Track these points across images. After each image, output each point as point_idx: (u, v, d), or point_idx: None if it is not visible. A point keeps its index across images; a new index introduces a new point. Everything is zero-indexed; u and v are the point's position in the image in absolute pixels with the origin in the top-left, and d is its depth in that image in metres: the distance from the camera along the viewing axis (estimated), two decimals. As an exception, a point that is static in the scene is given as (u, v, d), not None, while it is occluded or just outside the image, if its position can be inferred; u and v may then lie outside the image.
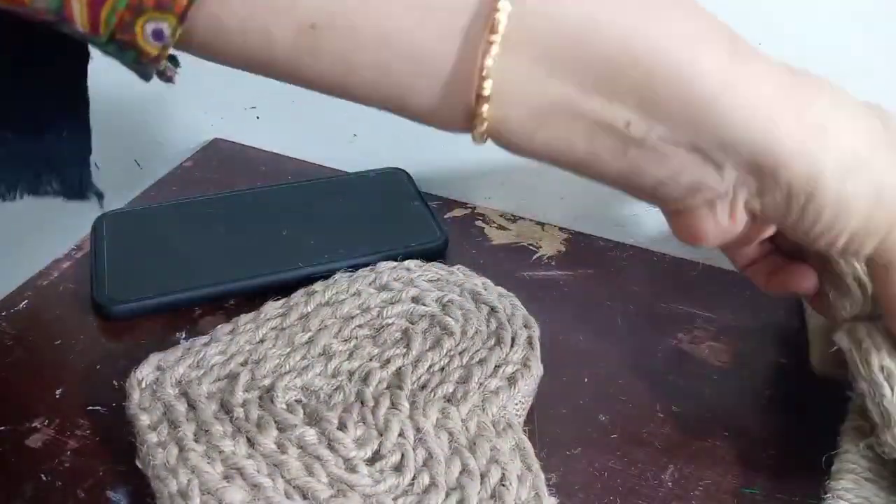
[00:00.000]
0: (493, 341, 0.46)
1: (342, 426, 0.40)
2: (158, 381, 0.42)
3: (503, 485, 0.38)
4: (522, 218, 0.63)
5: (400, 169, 0.64)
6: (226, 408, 0.41)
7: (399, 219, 0.59)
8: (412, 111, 0.32)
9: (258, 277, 0.53)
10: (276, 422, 0.40)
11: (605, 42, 0.29)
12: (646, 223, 0.60)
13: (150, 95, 0.76)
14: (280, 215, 0.59)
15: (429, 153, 0.64)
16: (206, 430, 0.39)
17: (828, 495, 0.40)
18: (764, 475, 0.43)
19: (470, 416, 0.41)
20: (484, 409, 0.42)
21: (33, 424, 0.44)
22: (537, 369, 0.45)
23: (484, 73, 0.29)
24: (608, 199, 0.60)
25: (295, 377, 0.43)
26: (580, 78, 0.30)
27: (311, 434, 0.39)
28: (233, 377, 0.43)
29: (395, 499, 0.37)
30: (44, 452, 0.42)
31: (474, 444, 0.40)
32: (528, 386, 0.44)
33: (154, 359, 0.43)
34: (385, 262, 0.51)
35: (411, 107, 0.32)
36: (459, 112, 0.31)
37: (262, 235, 0.57)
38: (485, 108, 0.30)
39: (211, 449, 0.39)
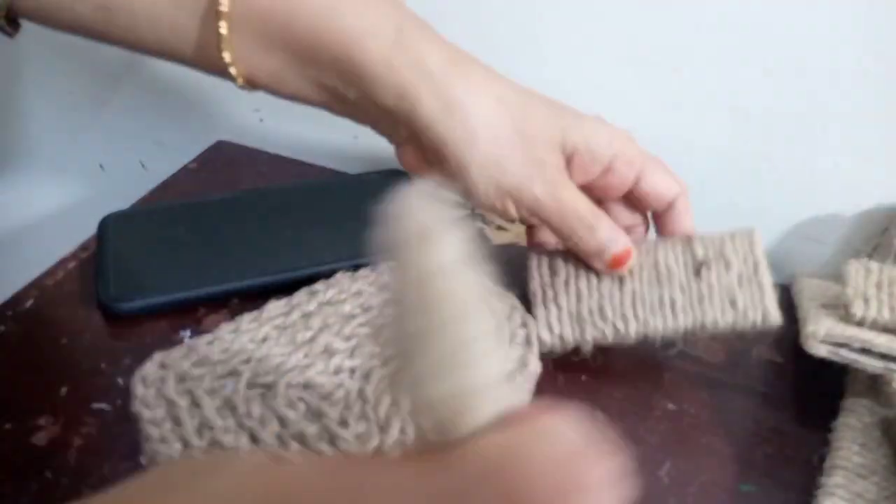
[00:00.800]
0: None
1: (343, 422, 0.41)
2: (162, 378, 0.43)
3: None
4: (522, 218, 0.63)
5: (401, 171, 0.64)
6: (228, 404, 0.41)
7: None
8: (189, 65, 0.43)
9: (262, 277, 0.53)
10: (277, 417, 0.41)
11: (304, 31, 0.40)
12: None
13: (154, 98, 0.76)
14: (284, 216, 0.60)
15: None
16: (209, 426, 0.40)
17: (820, 490, 0.41)
18: (759, 472, 0.44)
19: None
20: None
21: (39, 422, 0.44)
22: (535, 367, 0.45)
23: (220, 46, 0.41)
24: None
25: (297, 374, 0.44)
26: (292, 54, 0.41)
27: (311, 429, 0.40)
28: (235, 374, 0.43)
29: None
30: (49, 450, 0.43)
31: None
32: (525, 384, 0.44)
33: (158, 357, 0.44)
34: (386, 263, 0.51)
35: (185, 62, 0.43)
36: (219, 70, 0.42)
37: (266, 235, 0.57)
38: (232, 69, 0.42)
39: (213, 444, 0.39)
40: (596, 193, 0.47)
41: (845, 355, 0.44)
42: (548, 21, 0.56)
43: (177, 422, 0.40)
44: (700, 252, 0.47)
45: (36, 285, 0.53)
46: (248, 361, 0.44)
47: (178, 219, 0.59)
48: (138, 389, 0.42)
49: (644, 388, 0.48)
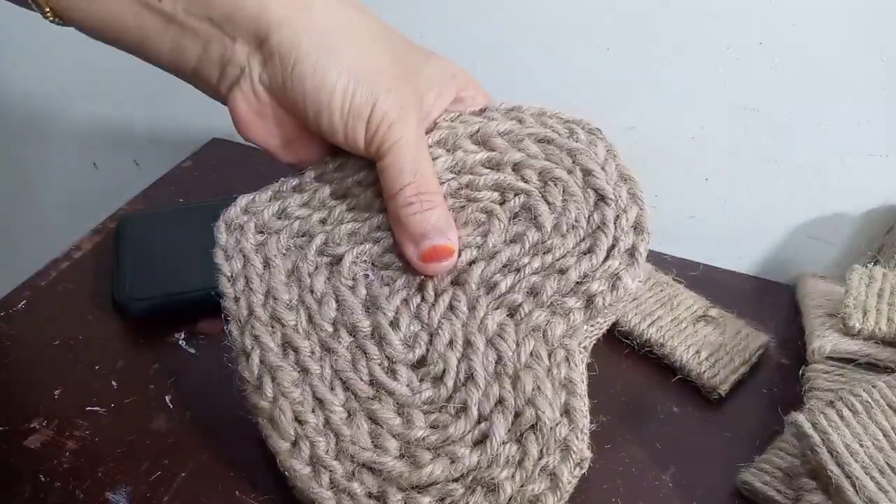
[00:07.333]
0: (586, 245, 0.38)
1: (396, 321, 0.38)
2: (243, 227, 0.41)
3: (533, 431, 0.35)
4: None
5: None
6: (296, 272, 0.40)
7: None
8: None
9: None
10: (336, 298, 0.39)
11: None
12: (646, 223, 0.60)
13: (148, 95, 0.76)
14: None
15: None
16: (274, 297, 0.39)
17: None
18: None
19: (526, 340, 0.36)
20: (545, 334, 0.36)
21: (32, 425, 0.43)
22: (630, 286, 0.37)
23: None
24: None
25: (371, 246, 0.40)
26: None
27: (364, 324, 0.38)
28: (310, 236, 0.41)
29: (426, 413, 0.36)
30: (42, 453, 0.42)
31: (518, 376, 0.36)
32: (610, 310, 0.38)
33: (243, 200, 0.42)
34: (498, 104, 0.43)
35: None
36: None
37: None
38: None
39: (274, 319, 0.38)
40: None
41: None
42: (555, 17, 0.55)
43: (248, 283, 0.39)
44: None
45: (28, 286, 0.53)
46: (323, 223, 0.41)
47: (194, 220, 0.58)
48: (221, 237, 0.41)
49: (649, 392, 0.48)
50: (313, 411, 0.37)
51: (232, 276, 0.40)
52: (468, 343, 0.37)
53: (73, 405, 0.45)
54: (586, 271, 0.37)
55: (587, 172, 0.39)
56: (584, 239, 0.38)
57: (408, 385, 0.37)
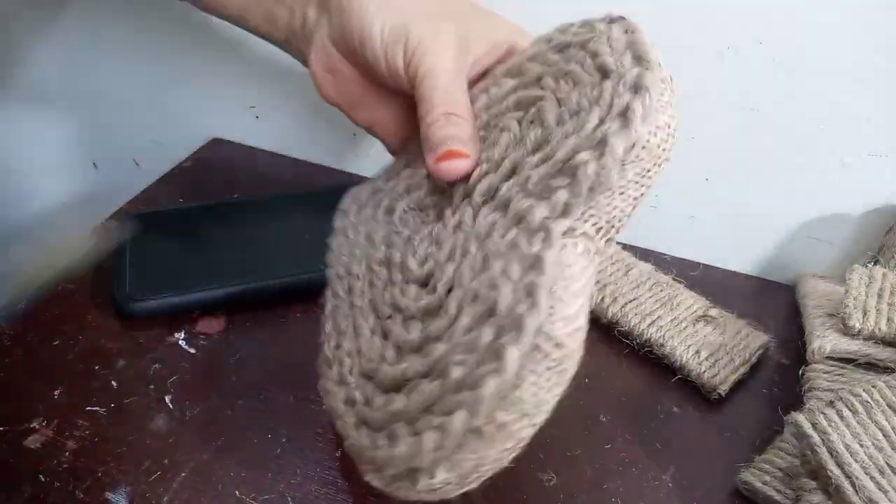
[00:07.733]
0: (581, 122, 0.34)
1: (416, 247, 0.40)
2: (347, 211, 0.48)
3: (491, 315, 0.32)
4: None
5: None
6: (370, 232, 0.44)
7: None
8: None
9: (275, 279, 0.52)
10: (386, 244, 0.43)
11: None
12: (647, 224, 0.60)
13: (148, 94, 0.75)
14: (304, 220, 0.58)
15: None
16: (351, 257, 0.44)
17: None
18: (765, 476, 0.43)
19: (508, 231, 0.34)
20: (525, 220, 0.33)
21: (32, 425, 0.43)
22: (618, 151, 0.31)
23: None
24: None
25: (417, 192, 0.44)
26: None
27: (396, 258, 0.41)
28: (381, 201, 0.46)
29: (421, 321, 0.36)
30: (42, 453, 0.42)
31: (491, 266, 0.33)
32: (603, 185, 0.32)
33: (351, 192, 0.49)
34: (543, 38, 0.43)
35: None
36: None
37: (285, 239, 0.56)
38: None
39: (347, 272, 0.44)
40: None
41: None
42: (552, 18, 0.55)
43: (340, 251, 0.45)
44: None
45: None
46: (393, 188, 0.46)
47: (197, 220, 0.58)
48: (336, 222, 0.47)
49: (649, 392, 0.48)
50: (351, 338, 0.40)
51: (334, 250, 0.46)
52: (465, 251, 0.36)
53: (73, 405, 0.45)
54: (574, 147, 0.33)
55: (594, 55, 0.36)
56: (581, 118, 0.34)
57: (413, 299, 0.38)
